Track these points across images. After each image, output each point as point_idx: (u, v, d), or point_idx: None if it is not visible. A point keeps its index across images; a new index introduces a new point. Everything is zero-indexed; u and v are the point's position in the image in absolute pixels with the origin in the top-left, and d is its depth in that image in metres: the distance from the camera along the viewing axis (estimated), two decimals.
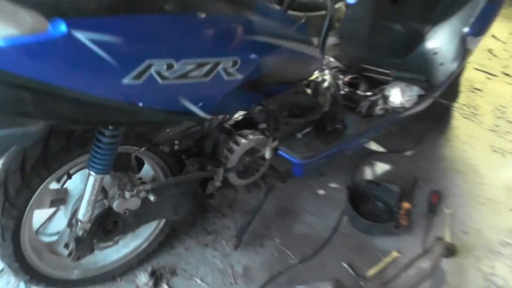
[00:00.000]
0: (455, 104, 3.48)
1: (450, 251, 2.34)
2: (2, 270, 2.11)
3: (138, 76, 1.29)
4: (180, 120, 1.58)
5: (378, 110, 2.31)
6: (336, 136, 2.10)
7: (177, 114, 1.50)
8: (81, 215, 1.71)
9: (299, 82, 1.96)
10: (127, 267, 2.14)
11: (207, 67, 1.41)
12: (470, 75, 3.84)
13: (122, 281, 2.13)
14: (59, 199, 1.88)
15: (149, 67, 1.29)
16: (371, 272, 2.25)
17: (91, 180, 1.65)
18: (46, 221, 2.32)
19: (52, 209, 2.30)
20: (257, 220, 2.45)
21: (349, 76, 2.41)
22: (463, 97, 3.61)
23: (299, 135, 2.05)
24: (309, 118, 2.07)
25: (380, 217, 2.53)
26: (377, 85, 2.49)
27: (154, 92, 1.37)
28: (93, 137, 1.60)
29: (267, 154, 2.01)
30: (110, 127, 1.54)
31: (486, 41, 4.28)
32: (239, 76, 1.50)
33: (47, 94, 1.22)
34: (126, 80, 1.28)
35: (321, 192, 2.69)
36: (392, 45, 2.76)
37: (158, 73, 1.32)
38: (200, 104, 1.49)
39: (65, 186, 1.92)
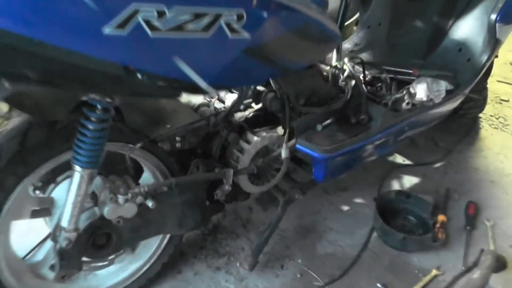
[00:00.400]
0: (482, 115, 3.25)
1: (501, 264, 2.03)
2: None
3: (123, 24, 1.06)
4: (178, 92, 1.32)
5: (404, 105, 2.05)
6: (361, 128, 1.83)
7: (174, 84, 1.25)
8: (64, 220, 1.43)
9: (315, 63, 1.70)
10: None
11: (206, 19, 1.17)
12: (494, 88, 3.60)
13: None
14: (43, 209, 1.61)
15: (135, 13, 1.06)
16: None
17: (76, 176, 1.39)
18: (36, 247, 2.01)
19: (43, 235, 2.01)
20: (276, 240, 2.17)
21: (370, 76, 2.16)
22: (490, 109, 3.36)
23: (319, 127, 1.78)
24: (330, 108, 1.81)
25: (414, 232, 2.23)
26: (400, 85, 2.23)
27: (144, 48, 1.13)
28: (78, 127, 1.35)
29: (283, 153, 1.74)
30: (96, 99, 1.30)
31: (506, 55, 4.07)
32: (246, 35, 1.26)
33: (17, 49, 1.00)
34: (108, 29, 1.05)
35: (345, 208, 2.40)
36: (413, 46, 2.53)
37: (147, 22, 1.09)
38: (202, 70, 1.23)
39: (51, 195, 1.65)
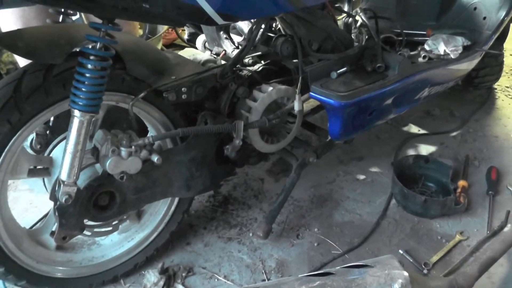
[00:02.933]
0: (497, 87, 3.15)
1: None
2: None
3: None
4: (183, 18, 1.21)
5: (421, 59, 1.94)
6: (378, 77, 1.71)
7: (177, 8, 1.14)
8: (63, 173, 1.31)
9: (325, 2, 1.60)
10: (132, 266, 1.72)
11: None
12: (509, 61, 3.49)
13: (127, 283, 1.71)
14: (42, 169, 1.50)
15: None
16: (434, 258, 1.83)
17: (75, 122, 1.28)
18: (42, 218, 1.91)
19: (48, 208, 1.90)
20: (290, 210, 2.05)
21: (382, 35, 2.05)
22: (505, 81, 3.25)
23: (334, 75, 1.67)
24: (345, 54, 1.70)
25: None
26: (414, 47, 2.12)
27: None
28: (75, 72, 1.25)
29: (297, 106, 1.63)
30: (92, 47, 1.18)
31: None
32: None
33: None
34: None
35: (361, 177, 2.28)
36: (425, 7, 2.43)
37: None
38: None
39: (50, 155, 1.54)
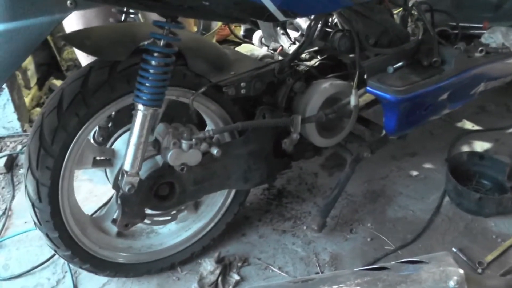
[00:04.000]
0: None
1: None
2: (48, 260, 1.80)
3: None
4: (245, 15, 1.24)
5: (478, 53, 1.91)
6: (435, 71, 1.70)
7: (239, 5, 1.17)
8: (127, 163, 1.36)
9: None
10: (189, 254, 1.77)
11: None
12: None
13: (183, 270, 1.76)
14: (105, 160, 1.57)
15: None
16: (489, 257, 1.80)
17: (139, 115, 1.33)
18: (102, 207, 1.99)
19: (108, 196, 1.98)
20: (343, 204, 2.07)
21: (438, 29, 2.03)
22: None
23: (390, 69, 1.66)
24: (402, 48, 1.70)
25: None
26: (470, 41, 2.08)
27: None
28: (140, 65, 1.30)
29: (353, 100, 1.64)
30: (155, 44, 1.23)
31: None
32: None
33: None
34: None
35: (414, 173, 2.27)
36: None
37: None
38: None
39: (113, 147, 1.61)
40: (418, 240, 1.89)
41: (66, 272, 1.75)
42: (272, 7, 1.19)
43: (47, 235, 1.44)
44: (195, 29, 2.99)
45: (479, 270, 1.74)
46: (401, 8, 1.86)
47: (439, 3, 2.40)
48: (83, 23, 1.91)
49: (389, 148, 2.40)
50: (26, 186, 1.37)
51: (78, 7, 1.08)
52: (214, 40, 3.20)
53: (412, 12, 1.82)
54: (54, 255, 1.79)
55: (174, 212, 1.69)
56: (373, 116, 2.09)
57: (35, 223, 1.43)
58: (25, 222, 1.98)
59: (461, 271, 1.35)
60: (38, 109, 2.71)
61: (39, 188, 1.35)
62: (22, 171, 2.20)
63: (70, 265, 1.73)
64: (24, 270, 1.76)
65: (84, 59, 2.03)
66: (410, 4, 1.78)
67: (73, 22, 1.93)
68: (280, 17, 1.25)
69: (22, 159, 2.27)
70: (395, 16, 1.83)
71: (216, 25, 3.23)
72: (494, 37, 1.97)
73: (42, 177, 1.34)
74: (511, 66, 2.07)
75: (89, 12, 1.90)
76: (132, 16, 1.58)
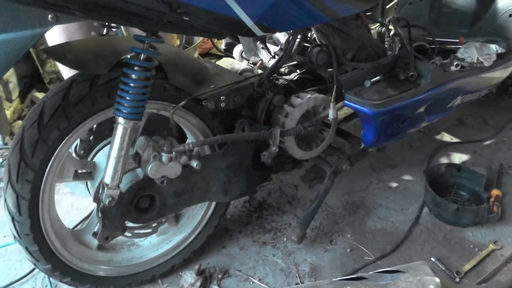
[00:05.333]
0: None
1: None
2: (28, 274, 1.80)
3: None
4: (223, 30, 1.27)
5: (453, 67, 1.95)
6: (411, 85, 1.74)
7: (220, 21, 1.19)
8: (107, 176, 1.37)
9: (361, 10, 1.63)
10: (170, 267, 1.78)
11: None
12: None
13: (164, 283, 1.77)
14: (86, 173, 1.57)
15: None
16: (467, 267, 1.83)
17: (120, 128, 1.34)
18: (84, 220, 1.99)
19: (90, 209, 1.99)
20: (323, 216, 2.09)
21: (415, 44, 2.08)
22: None
23: (367, 83, 1.70)
24: (379, 63, 1.73)
25: None
26: (446, 55, 2.13)
27: None
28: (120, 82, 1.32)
29: (331, 114, 1.67)
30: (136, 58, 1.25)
31: None
32: None
33: None
34: None
35: (394, 185, 2.30)
36: (457, 16, 2.43)
37: None
38: (248, 7, 1.18)
39: (94, 160, 1.62)
40: (398, 251, 1.92)
41: (46, 286, 1.74)
42: (249, 23, 1.22)
43: (26, 248, 1.44)
44: (178, 42, 3.01)
45: (457, 279, 1.77)
46: (378, 24, 1.90)
47: (416, 19, 2.47)
48: (65, 36, 1.93)
49: (369, 160, 2.44)
50: (5, 200, 1.37)
51: (59, 21, 1.10)
52: (196, 54, 3.23)
53: (390, 27, 1.86)
54: (34, 269, 1.79)
55: (154, 224, 1.70)
56: (353, 129, 2.13)
57: (14, 236, 1.43)
58: (4, 236, 1.97)
59: (438, 279, 1.38)
60: (19, 122, 2.70)
61: (19, 201, 1.36)
62: (1, 184, 2.19)
63: (51, 279, 1.73)
64: (3, 285, 1.75)
65: (66, 72, 2.04)
66: (387, 20, 1.82)
67: (55, 36, 1.94)
68: (258, 32, 1.27)
69: (2, 172, 2.27)
70: (372, 31, 1.87)
71: (198, 39, 3.25)
72: (469, 52, 2.02)
73: (22, 190, 1.35)
74: (486, 80, 2.12)
75: (71, 25, 1.92)
76: (114, 30, 1.60)
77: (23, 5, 1.02)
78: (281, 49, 1.85)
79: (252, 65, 1.85)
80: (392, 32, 1.85)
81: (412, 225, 2.04)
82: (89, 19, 1.16)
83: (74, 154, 1.63)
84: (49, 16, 1.09)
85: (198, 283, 1.72)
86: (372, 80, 1.70)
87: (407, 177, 2.35)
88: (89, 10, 1.07)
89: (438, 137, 2.69)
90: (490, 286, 1.56)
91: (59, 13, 1.07)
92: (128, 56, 1.31)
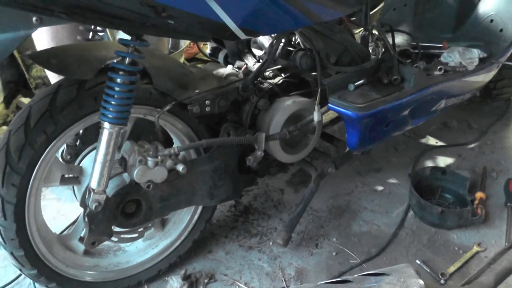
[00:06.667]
0: None
1: None
2: (13, 281, 1.79)
3: None
4: (207, 34, 1.28)
5: (437, 71, 1.98)
6: (394, 88, 1.76)
7: (203, 24, 1.21)
8: (93, 181, 1.38)
9: (345, 14, 1.65)
10: (156, 272, 1.78)
11: None
12: None
13: None
14: (73, 177, 1.57)
15: None
16: (451, 269, 1.85)
17: (105, 133, 1.34)
18: (70, 225, 1.98)
19: (76, 215, 1.97)
20: (309, 220, 2.10)
21: (399, 48, 2.10)
22: None
23: (351, 87, 1.71)
24: (362, 67, 1.75)
25: None
26: (430, 60, 2.16)
27: None
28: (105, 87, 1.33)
29: (316, 117, 1.69)
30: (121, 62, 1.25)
31: None
32: None
33: None
34: None
35: (379, 188, 2.32)
36: (440, 21, 2.47)
37: None
38: (232, 11, 1.19)
39: (80, 164, 1.62)
40: (383, 253, 1.94)
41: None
42: (233, 26, 1.23)
43: (12, 253, 1.44)
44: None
45: (442, 281, 1.79)
46: (362, 28, 1.92)
47: (400, 24, 2.50)
48: (55, 44, 1.93)
49: (354, 164, 2.46)
50: None
51: (43, 23, 1.10)
52: (182, 58, 3.24)
53: (373, 32, 1.88)
54: (19, 275, 1.78)
55: (141, 229, 1.70)
56: (338, 132, 2.15)
57: None
58: None
59: (421, 282, 1.39)
60: (4, 128, 2.69)
61: (4, 206, 1.35)
62: None
63: (36, 284, 1.72)
64: None
65: (53, 77, 2.04)
66: (370, 25, 1.84)
67: (45, 42, 1.94)
68: (241, 35, 1.29)
69: None
70: (356, 36, 1.89)
71: (185, 43, 3.26)
72: (452, 56, 2.05)
73: (8, 195, 1.35)
74: (469, 84, 2.15)
75: (61, 32, 1.92)
76: (100, 34, 1.61)
77: (6, 7, 1.02)
78: (265, 53, 1.86)
79: (237, 69, 1.86)
80: (375, 37, 1.87)
81: (397, 228, 2.05)
82: (73, 21, 1.16)
83: (60, 159, 1.62)
84: (34, 19, 1.09)
85: None
86: (355, 84, 1.71)
87: (392, 181, 2.37)
88: (72, 12, 1.08)
89: (423, 140, 2.72)
90: (473, 287, 1.57)
91: (43, 15, 1.08)
92: (114, 61, 1.32)
